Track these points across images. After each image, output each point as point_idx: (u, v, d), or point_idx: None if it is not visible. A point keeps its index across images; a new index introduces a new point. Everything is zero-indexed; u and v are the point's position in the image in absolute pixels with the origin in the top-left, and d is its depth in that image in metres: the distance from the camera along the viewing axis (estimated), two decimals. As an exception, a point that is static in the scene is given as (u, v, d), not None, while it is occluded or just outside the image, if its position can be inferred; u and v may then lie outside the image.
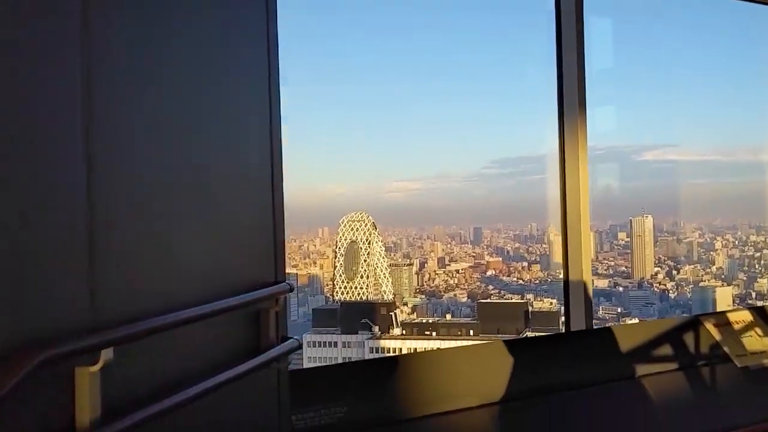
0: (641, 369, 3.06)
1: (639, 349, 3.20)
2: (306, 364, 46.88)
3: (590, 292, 4.07)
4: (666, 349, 3.29)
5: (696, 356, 3.29)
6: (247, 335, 1.98)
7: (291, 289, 2.03)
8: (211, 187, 1.76)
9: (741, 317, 3.55)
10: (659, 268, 40.88)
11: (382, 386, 3.00)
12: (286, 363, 2.15)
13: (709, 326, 3.40)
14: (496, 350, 3.25)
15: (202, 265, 1.75)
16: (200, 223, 1.71)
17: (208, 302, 1.70)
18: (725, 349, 3.32)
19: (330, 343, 66.36)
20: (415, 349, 60.90)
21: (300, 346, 2.13)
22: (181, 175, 1.62)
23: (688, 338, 3.38)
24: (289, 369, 2.12)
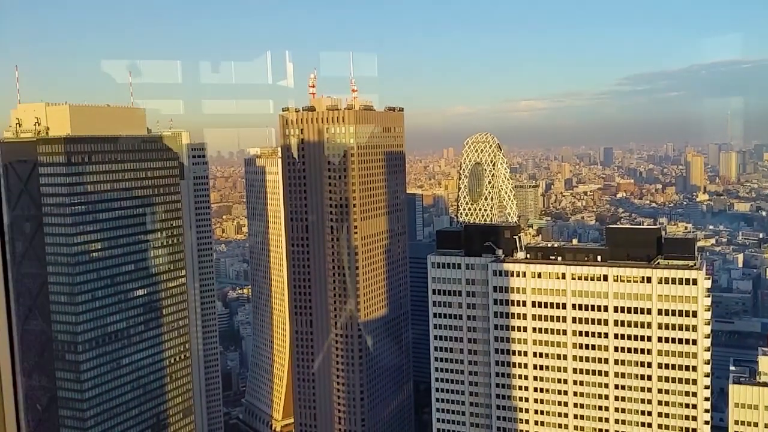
0: None
1: None
2: (430, 285, 47.57)
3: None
4: None
5: None
6: None
7: None
8: None
9: None
10: (810, 191, 38.19)
11: None
12: None
13: None
14: None
15: None
16: None
17: None
18: None
19: (454, 264, 67.47)
20: (539, 273, 60.65)
21: None
22: None
23: None
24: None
